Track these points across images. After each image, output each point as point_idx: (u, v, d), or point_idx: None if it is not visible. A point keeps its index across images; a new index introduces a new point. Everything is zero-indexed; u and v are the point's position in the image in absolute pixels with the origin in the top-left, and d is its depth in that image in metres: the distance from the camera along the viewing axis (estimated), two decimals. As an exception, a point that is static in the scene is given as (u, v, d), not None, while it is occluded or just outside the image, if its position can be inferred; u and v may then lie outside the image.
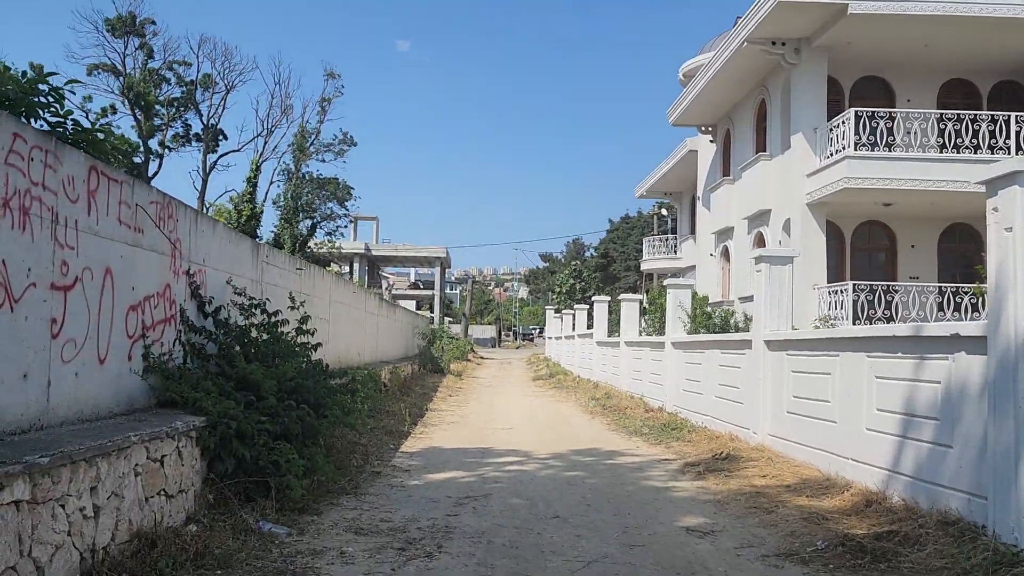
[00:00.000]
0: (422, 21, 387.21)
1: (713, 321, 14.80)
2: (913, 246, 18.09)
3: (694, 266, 30.23)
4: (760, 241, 19.77)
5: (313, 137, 41.61)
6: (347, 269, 66.16)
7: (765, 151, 19.14)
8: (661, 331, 19.49)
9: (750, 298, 20.03)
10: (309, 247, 42.89)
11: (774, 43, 16.63)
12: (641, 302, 20.08)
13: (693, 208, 32.08)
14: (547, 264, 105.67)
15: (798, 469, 8.62)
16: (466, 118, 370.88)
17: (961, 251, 18.16)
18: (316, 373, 8.28)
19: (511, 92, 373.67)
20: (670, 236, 34.11)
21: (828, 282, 16.32)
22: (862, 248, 18.42)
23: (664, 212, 48.48)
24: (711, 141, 23.85)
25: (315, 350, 8.78)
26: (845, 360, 8.08)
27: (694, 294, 15.52)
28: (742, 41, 17.07)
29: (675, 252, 32.78)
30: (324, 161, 43.44)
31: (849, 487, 7.54)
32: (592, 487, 8.34)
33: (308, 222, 43.07)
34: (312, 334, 8.72)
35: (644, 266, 34.80)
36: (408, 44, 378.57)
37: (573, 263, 56.89)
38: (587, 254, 77.43)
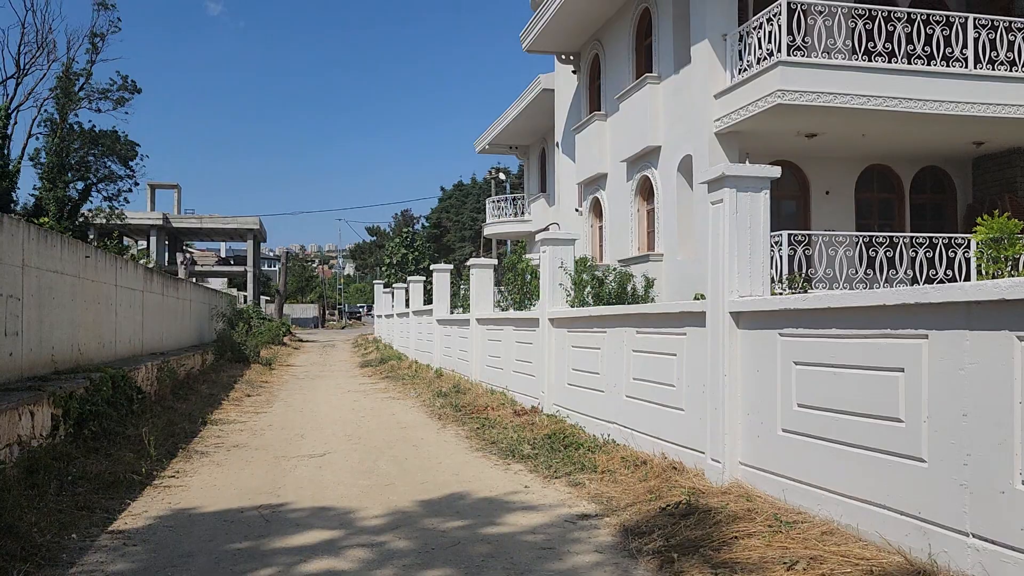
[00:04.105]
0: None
1: (607, 288, 10.95)
2: (828, 192, 15.17)
3: (546, 229, 26.58)
4: (646, 188, 16.15)
5: (82, 79, 34.01)
6: (143, 243, 57.71)
7: (652, 72, 15.48)
8: (522, 304, 15.54)
9: (639, 259, 16.42)
10: (83, 214, 35.50)
11: (668, -72, 12.88)
12: (496, 268, 15.97)
13: (543, 163, 28.39)
14: (375, 238, 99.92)
15: (841, 539, 4.76)
16: (286, 86, 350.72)
17: (881, 200, 15.47)
18: None
19: (335, 55, 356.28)
20: (517, 196, 30.24)
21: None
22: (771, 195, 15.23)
23: (503, 176, 44.78)
24: (573, 72, 19.99)
25: None
26: (971, 344, 4.25)
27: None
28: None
29: (523, 214, 28.99)
30: (99, 111, 35.88)
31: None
32: (478, 622, 4.06)
33: (81, 184, 35.58)
34: None
35: (487, 231, 30.76)
36: (219, 8, 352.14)
37: (404, 231, 52.07)
38: (418, 226, 72.80)
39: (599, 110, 18.36)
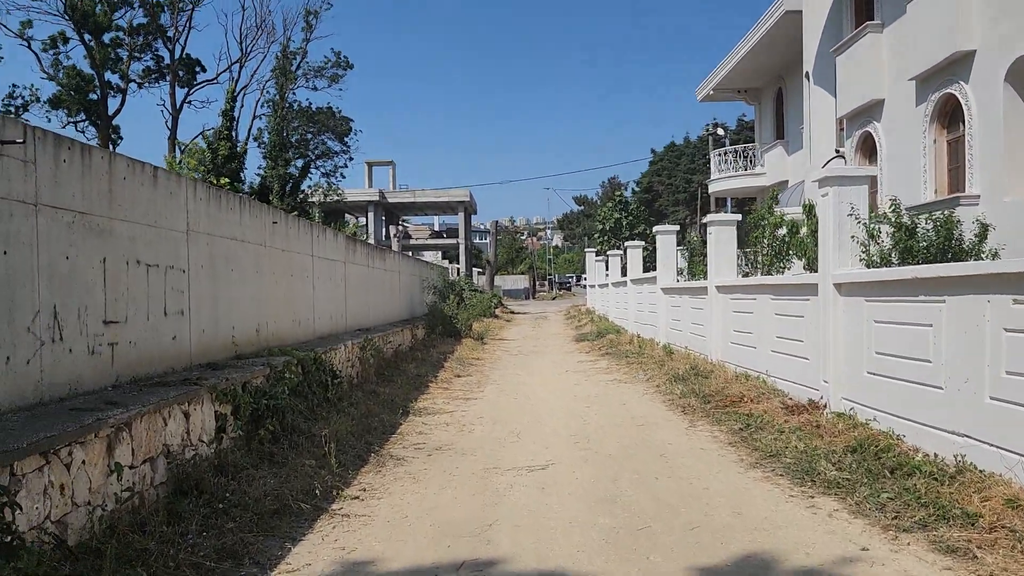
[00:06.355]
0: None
1: (920, 239, 7.88)
2: None
3: (786, 181, 23.04)
4: (948, 110, 12.49)
5: (299, 58, 34.67)
6: (362, 219, 59.70)
7: (961, -45, 11.79)
8: (773, 267, 12.64)
9: (940, 204, 12.34)
10: (303, 191, 36.37)
11: None
12: (739, 225, 13.16)
13: (779, 106, 24.71)
14: (582, 207, 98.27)
15: None
16: (496, 58, 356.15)
17: None
18: None
19: (544, 22, 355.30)
20: (748, 146, 26.70)
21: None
22: None
23: (721, 131, 40.92)
24: (833, -23, 16.38)
25: None
26: None
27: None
28: None
29: (754, 167, 25.48)
30: (316, 89, 36.61)
31: None
32: None
33: (300, 161, 36.44)
34: None
35: (712, 187, 27.50)
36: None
37: (617, 193, 49.55)
38: (627, 192, 70.00)
39: (872, 19, 14.71)
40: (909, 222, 8.11)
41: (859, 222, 7.98)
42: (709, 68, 26.73)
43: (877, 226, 8.17)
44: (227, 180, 16.86)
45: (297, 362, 8.64)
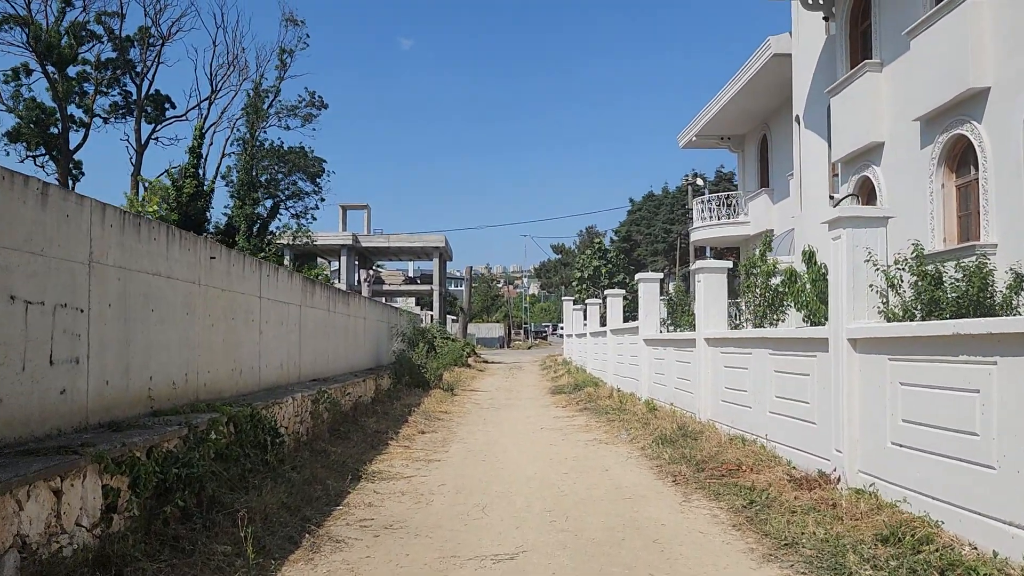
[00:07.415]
0: (425, 21, 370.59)
1: (948, 290, 6.89)
2: None
3: (771, 230, 22.23)
4: (958, 152, 11.68)
5: (271, 97, 33.72)
6: (335, 264, 58.45)
7: (970, -15, 11.09)
8: (764, 319, 11.68)
9: (949, 254, 10.84)
10: (271, 232, 35.14)
11: None
12: (730, 271, 12.17)
13: (763, 154, 24.09)
14: (559, 256, 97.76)
15: None
16: (472, 110, 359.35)
17: None
18: None
19: (523, 77, 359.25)
20: (731, 193, 25.97)
21: None
22: None
23: (700, 181, 40.51)
24: (825, 18, 15.71)
25: None
26: None
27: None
28: None
29: (737, 215, 24.71)
30: (288, 128, 35.69)
31: None
32: None
33: (270, 202, 35.30)
34: None
35: (695, 236, 26.69)
36: (411, 43, 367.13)
37: (596, 241, 48.73)
38: (605, 241, 69.41)
39: (871, 57, 13.96)
40: (933, 270, 7.12)
41: (877, 269, 6.98)
42: (691, 116, 26.27)
43: (899, 274, 7.16)
44: (155, 209, 15.64)
45: (228, 419, 7.40)
